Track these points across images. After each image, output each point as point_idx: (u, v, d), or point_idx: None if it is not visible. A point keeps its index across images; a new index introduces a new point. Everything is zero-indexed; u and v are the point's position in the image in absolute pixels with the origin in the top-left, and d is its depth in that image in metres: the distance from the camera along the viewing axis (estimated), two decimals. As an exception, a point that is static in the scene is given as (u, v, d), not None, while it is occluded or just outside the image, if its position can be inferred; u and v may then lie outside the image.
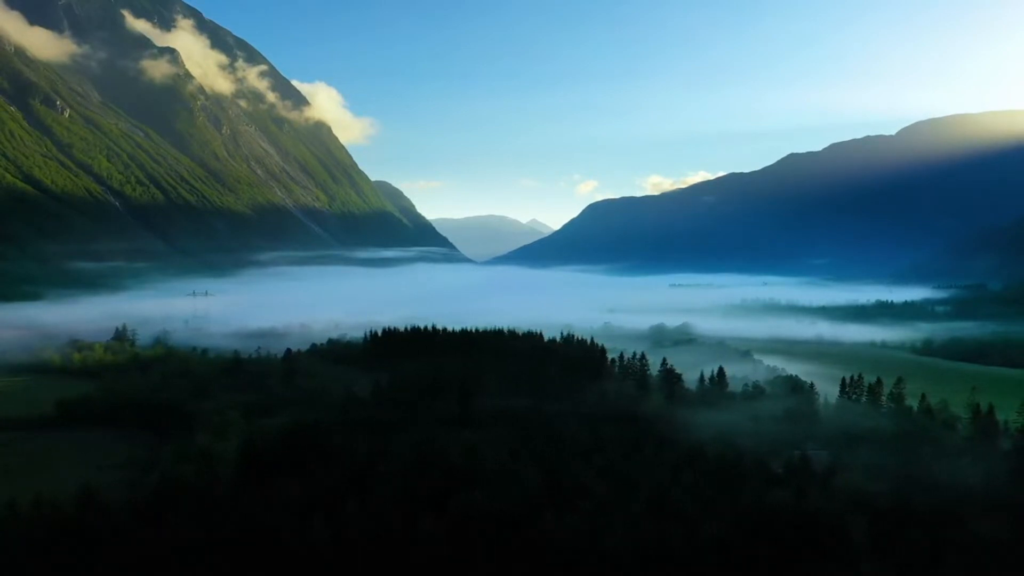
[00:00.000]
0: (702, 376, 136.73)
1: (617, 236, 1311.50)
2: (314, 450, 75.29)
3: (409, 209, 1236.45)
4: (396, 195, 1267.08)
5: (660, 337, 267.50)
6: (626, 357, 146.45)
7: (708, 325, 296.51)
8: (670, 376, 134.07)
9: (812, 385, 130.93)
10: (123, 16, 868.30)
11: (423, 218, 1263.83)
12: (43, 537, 57.20)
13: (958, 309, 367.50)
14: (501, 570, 58.18)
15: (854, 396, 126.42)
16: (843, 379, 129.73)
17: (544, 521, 61.43)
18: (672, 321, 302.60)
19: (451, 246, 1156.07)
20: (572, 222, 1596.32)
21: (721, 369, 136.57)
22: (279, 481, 66.13)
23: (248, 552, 56.84)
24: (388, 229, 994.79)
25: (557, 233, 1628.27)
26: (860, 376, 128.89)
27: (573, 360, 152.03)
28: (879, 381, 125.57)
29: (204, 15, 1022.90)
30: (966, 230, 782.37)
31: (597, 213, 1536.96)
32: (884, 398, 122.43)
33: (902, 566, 61.60)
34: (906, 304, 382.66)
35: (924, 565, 61.06)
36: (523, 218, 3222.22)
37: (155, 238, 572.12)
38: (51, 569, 55.35)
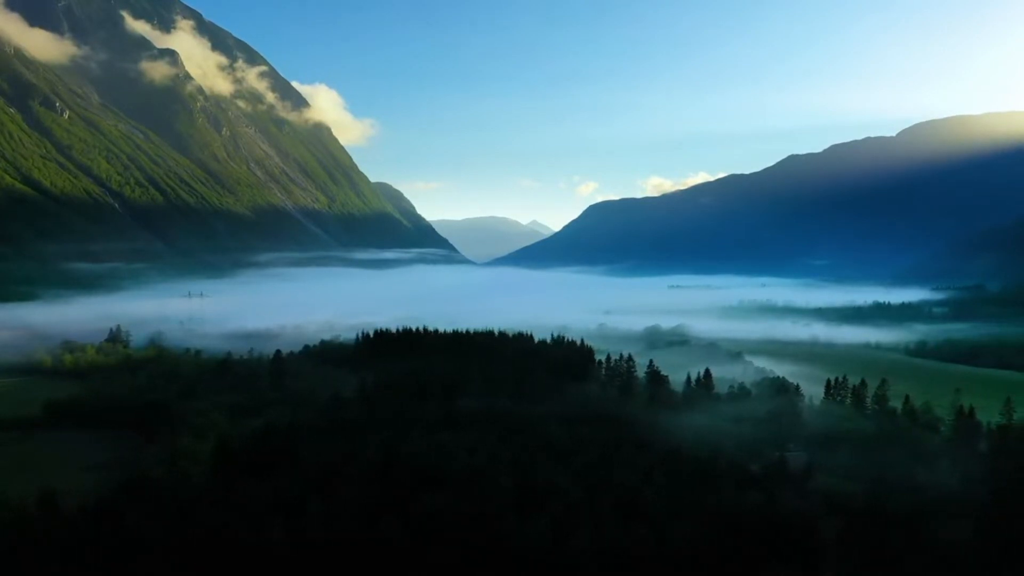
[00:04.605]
0: (688, 378, 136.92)
1: (617, 237, 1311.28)
2: (285, 452, 75.76)
3: (409, 210, 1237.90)
4: (396, 196, 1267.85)
5: (654, 338, 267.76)
6: (613, 359, 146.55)
7: (703, 326, 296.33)
8: (655, 378, 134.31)
9: (798, 387, 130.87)
10: (123, 17, 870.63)
11: (423, 219, 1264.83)
12: (4, 539, 57.88)
13: (955, 310, 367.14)
14: (463, 572, 58.55)
15: (839, 398, 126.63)
16: (828, 381, 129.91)
17: (508, 523, 61.76)
18: (668, 322, 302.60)
19: (451, 247, 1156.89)
20: (572, 223, 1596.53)
21: (708, 371, 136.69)
22: (247, 482, 66.60)
23: (207, 552, 57.32)
24: (388, 230, 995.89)
25: (557, 234, 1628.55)
26: (845, 378, 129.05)
27: (560, 362, 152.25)
28: (863, 383, 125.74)
29: (204, 16, 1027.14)
30: (966, 231, 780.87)
31: (597, 214, 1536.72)
32: (868, 400, 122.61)
33: (866, 567, 61.87)
34: (903, 305, 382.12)
35: (888, 567, 61.31)
36: (523, 219, 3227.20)
37: (154, 239, 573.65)
38: (10, 571, 55.90)
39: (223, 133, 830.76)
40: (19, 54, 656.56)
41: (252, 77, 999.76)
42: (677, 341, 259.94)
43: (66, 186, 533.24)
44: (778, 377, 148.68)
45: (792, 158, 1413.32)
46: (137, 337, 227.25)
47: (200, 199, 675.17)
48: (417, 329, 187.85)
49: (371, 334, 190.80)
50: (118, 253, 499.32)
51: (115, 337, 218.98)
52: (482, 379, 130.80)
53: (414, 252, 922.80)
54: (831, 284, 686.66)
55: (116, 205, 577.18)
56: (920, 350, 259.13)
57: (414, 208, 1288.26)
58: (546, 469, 79.10)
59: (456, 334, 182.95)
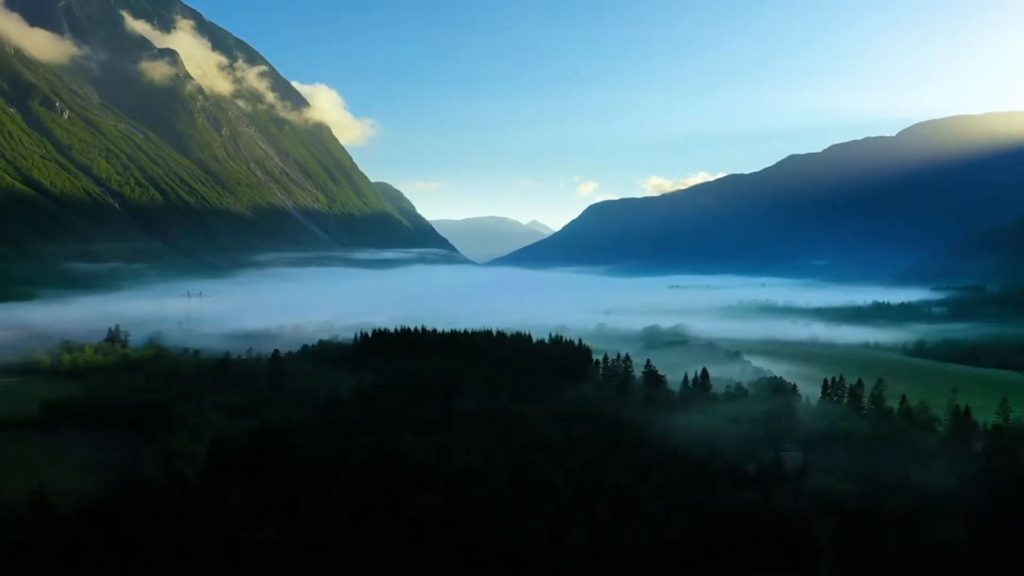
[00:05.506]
0: (686, 378, 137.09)
1: (617, 237, 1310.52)
2: (282, 451, 75.87)
3: (409, 210, 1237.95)
4: (396, 196, 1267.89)
5: (653, 338, 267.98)
6: (610, 359, 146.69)
7: (703, 326, 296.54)
8: (652, 378, 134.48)
9: (795, 387, 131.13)
10: (123, 17, 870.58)
11: (423, 219, 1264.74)
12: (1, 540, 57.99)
13: (954, 310, 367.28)
14: (459, 571, 58.62)
15: (835, 398, 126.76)
16: (825, 381, 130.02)
17: (505, 522, 61.85)
18: (667, 322, 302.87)
19: (451, 247, 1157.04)
20: (572, 223, 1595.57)
21: (704, 370, 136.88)
22: (243, 482, 66.71)
23: (203, 552, 57.42)
24: (388, 230, 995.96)
25: (557, 234, 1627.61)
26: (842, 378, 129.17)
27: (558, 362, 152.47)
28: (860, 383, 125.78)
29: (204, 16, 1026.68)
30: (966, 231, 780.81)
31: (597, 214, 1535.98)
32: (865, 400, 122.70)
33: (862, 567, 61.94)
34: (902, 305, 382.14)
35: (884, 567, 61.40)
36: (523, 219, 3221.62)
37: (154, 239, 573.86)
38: (7, 571, 55.99)
39: (223, 133, 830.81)
40: (19, 54, 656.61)
41: (252, 77, 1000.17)
42: (676, 341, 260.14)
43: (66, 186, 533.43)
44: (775, 377, 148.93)
45: (792, 158, 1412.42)
46: (136, 337, 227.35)
47: (200, 199, 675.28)
48: (416, 329, 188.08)
49: (370, 334, 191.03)
50: (118, 253, 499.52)
51: (114, 337, 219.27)
52: (480, 379, 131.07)
53: (414, 252, 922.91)
54: (831, 284, 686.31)
55: (116, 205, 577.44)
56: (919, 350, 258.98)
57: (414, 208, 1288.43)
58: (543, 469, 79.28)
59: (455, 334, 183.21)
